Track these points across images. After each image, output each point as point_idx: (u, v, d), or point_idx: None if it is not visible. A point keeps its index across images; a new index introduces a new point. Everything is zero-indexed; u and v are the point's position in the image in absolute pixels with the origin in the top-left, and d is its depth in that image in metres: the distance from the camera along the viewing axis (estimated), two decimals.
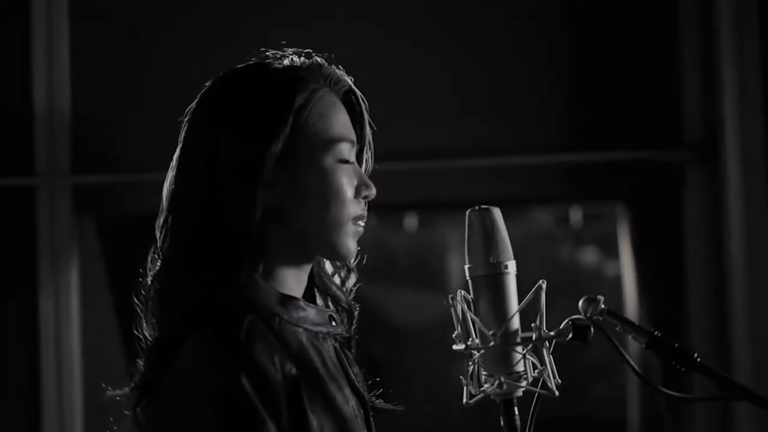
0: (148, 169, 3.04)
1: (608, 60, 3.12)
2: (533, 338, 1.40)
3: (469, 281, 1.42)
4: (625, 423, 3.37)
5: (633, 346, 2.46)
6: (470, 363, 1.41)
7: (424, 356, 3.82)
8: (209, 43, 3.12)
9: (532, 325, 1.41)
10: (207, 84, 1.46)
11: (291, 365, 1.33)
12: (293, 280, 1.44)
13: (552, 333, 1.41)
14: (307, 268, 1.46)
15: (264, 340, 1.33)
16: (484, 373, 1.41)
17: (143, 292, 1.44)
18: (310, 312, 1.43)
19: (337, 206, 1.41)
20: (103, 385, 1.50)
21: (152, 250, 1.45)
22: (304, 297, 1.45)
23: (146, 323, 1.43)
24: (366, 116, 1.50)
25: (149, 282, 1.43)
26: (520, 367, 1.40)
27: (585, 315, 1.42)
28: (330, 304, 1.51)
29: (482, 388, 1.41)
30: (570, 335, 1.41)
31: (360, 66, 1.54)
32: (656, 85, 3.11)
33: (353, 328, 1.52)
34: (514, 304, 1.40)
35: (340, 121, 1.44)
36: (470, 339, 1.41)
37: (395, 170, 3.00)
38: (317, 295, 1.51)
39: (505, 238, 1.42)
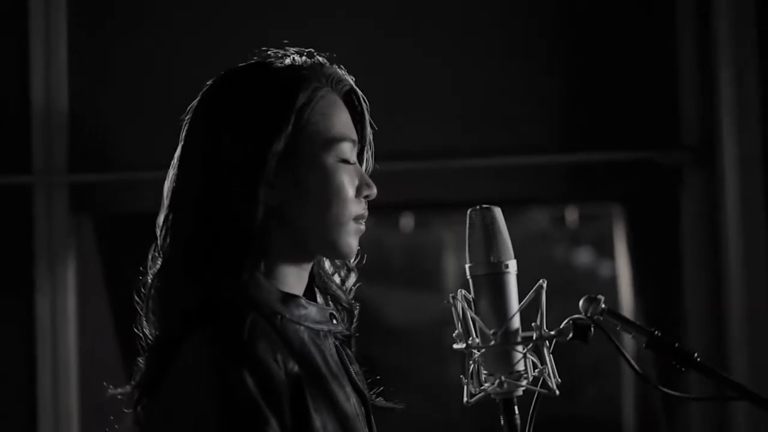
0: (145, 168, 3.04)
1: (606, 61, 3.12)
2: (534, 337, 1.40)
3: (470, 280, 1.43)
4: (620, 423, 3.37)
5: (631, 346, 2.47)
6: (471, 362, 1.42)
7: (420, 356, 3.81)
8: (207, 42, 3.12)
9: (533, 324, 1.41)
10: (208, 83, 1.46)
11: (293, 363, 1.34)
12: (294, 279, 1.44)
13: (553, 332, 1.41)
14: (308, 266, 1.46)
15: (267, 338, 1.33)
16: (485, 372, 1.41)
17: (144, 291, 1.44)
18: (311, 310, 1.43)
19: (339, 205, 1.41)
20: (104, 383, 1.50)
21: (153, 248, 1.45)
22: (304, 296, 1.45)
23: (147, 322, 1.43)
24: (367, 116, 1.50)
25: (150, 281, 1.43)
26: (520, 367, 1.40)
27: (585, 314, 1.42)
28: (330, 303, 1.51)
29: (482, 387, 1.41)
30: (570, 335, 1.42)
31: (360, 66, 1.54)
32: (654, 86, 3.11)
33: (353, 326, 1.53)
34: (514, 304, 1.41)
35: (342, 121, 1.45)
36: (471, 338, 1.41)
37: (391, 170, 2.99)
38: (317, 294, 1.51)
39: (506, 238, 1.42)
